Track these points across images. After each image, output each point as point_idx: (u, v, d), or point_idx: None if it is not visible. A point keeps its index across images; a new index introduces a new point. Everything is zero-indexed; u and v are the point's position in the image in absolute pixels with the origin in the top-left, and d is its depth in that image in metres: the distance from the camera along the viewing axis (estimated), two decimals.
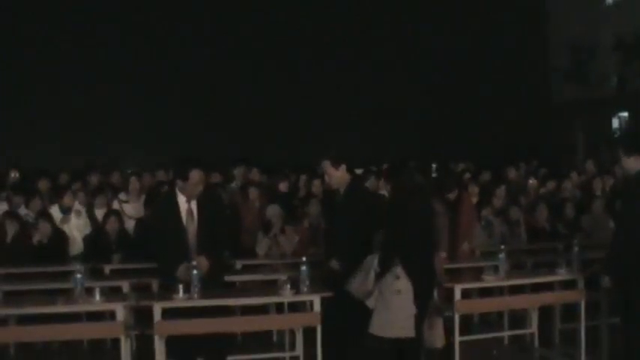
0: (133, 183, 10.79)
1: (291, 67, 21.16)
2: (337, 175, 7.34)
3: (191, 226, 6.88)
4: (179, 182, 6.97)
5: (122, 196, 10.81)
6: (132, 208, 10.63)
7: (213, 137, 20.29)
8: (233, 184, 11.13)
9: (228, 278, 7.82)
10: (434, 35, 20.72)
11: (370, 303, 6.78)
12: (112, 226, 9.72)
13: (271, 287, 7.50)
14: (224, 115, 20.43)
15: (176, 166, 7.30)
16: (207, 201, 7.01)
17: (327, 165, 7.38)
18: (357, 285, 6.82)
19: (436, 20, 21.13)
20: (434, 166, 13.30)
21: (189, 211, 6.94)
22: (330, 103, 20.82)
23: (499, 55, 21.10)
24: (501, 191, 10.73)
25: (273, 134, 19.86)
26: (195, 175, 6.95)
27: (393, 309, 6.65)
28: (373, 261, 6.77)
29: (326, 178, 7.49)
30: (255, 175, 11.54)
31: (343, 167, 7.31)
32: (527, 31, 21.54)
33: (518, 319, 9.09)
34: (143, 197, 10.71)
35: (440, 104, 20.77)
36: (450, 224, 8.46)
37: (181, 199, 7.00)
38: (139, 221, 10.12)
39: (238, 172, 11.45)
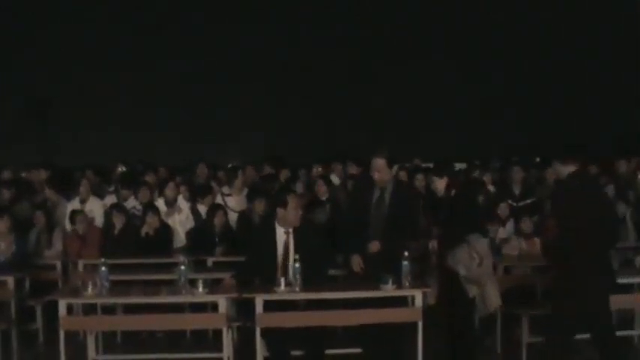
0: (237, 177, 10.95)
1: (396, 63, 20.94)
2: (388, 173, 7.55)
3: (287, 261, 7.11)
4: (280, 211, 7.16)
5: (225, 189, 10.97)
6: (234, 202, 10.74)
7: (310, 132, 20.26)
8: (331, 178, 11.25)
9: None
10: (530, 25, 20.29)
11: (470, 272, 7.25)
12: (218, 220, 9.86)
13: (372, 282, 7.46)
14: (320, 110, 20.36)
15: (275, 194, 7.71)
16: (306, 233, 7.21)
17: (381, 163, 7.50)
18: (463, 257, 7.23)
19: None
20: (537, 160, 13.14)
21: (286, 245, 7.14)
22: (429, 100, 20.59)
23: (603, 44, 20.51)
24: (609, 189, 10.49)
25: (367, 130, 19.72)
26: (293, 200, 7.24)
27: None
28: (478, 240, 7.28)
29: (376, 175, 7.55)
30: (353, 169, 11.53)
31: (395, 168, 7.64)
32: (626, 20, 20.82)
33: (622, 319, 8.74)
34: (246, 191, 10.83)
35: (540, 98, 20.28)
36: None
37: (279, 230, 7.23)
38: (242, 215, 10.24)
39: (336, 167, 11.62)
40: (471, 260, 7.25)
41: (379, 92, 20.66)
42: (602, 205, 6.70)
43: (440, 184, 7.71)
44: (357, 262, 7.49)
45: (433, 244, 7.76)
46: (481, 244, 7.39)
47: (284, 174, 11.40)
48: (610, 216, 6.82)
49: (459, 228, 7.40)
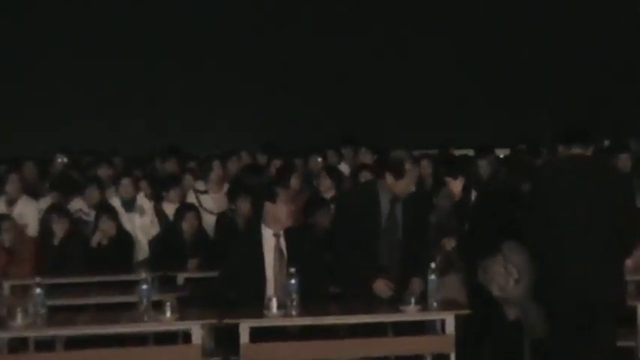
0: (216, 169, 10.84)
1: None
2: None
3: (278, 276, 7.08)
4: (267, 206, 7.18)
5: (199, 185, 10.83)
6: (212, 201, 10.67)
7: (309, 117, 20.10)
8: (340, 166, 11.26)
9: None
10: None
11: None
12: (189, 224, 9.77)
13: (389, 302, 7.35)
14: (320, 93, 20.18)
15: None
16: (302, 239, 7.37)
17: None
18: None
19: None
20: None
21: (278, 253, 7.20)
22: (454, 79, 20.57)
23: None
24: None
25: (378, 115, 19.62)
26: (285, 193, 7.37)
27: None
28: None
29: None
30: (365, 156, 11.52)
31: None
32: None
33: None
34: (226, 187, 10.73)
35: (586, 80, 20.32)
36: None
37: (267, 234, 7.25)
38: (222, 217, 10.13)
39: (347, 152, 11.65)
40: (508, 276, 7.26)
41: (396, 67, 20.49)
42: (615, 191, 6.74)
43: (455, 187, 7.86)
44: (383, 287, 7.35)
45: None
46: (519, 254, 7.34)
47: (275, 165, 11.28)
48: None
49: (492, 234, 7.53)
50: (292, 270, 6.74)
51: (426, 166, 10.67)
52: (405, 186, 7.39)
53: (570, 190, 6.72)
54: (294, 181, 10.02)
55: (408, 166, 7.40)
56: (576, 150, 6.88)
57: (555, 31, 20.04)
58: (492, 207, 7.80)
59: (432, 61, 20.43)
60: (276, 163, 11.36)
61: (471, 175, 8.05)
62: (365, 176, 9.86)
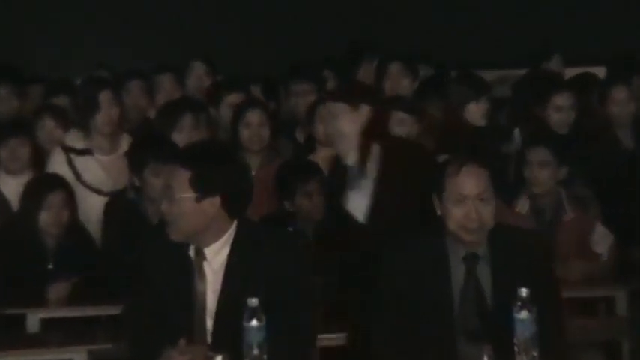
0: (106, 107, 6.88)
1: None
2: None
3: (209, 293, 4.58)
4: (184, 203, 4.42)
5: (71, 137, 6.99)
6: (98, 169, 6.89)
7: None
8: None
9: None
10: None
11: None
12: (51, 215, 6.34)
13: None
14: None
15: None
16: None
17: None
18: None
19: None
20: None
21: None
22: None
23: None
24: None
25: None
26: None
27: None
28: None
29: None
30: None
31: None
32: None
33: None
34: (123, 146, 6.89)
35: None
36: None
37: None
38: (115, 201, 6.63)
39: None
40: None
41: None
42: None
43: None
44: None
45: None
46: None
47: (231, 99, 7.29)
48: None
49: None
50: (252, 302, 4.12)
51: None
52: None
53: None
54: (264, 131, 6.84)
55: None
56: None
57: None
58: None
59: None
60: (232, 98, 7.39)
61: None
62: None
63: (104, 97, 6.82)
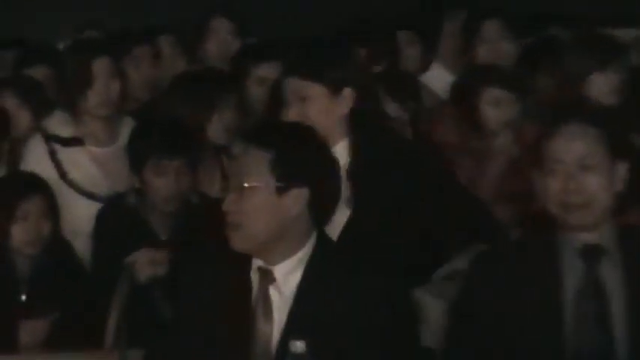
0: (97, 93, 5.88)
1: None
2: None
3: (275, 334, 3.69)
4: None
5: (55, 121, 5.96)
6: (90, 165, 5.81)
7: None
8: None
9: None
10: None
11: None
12: (24, 227, 5.38)
13: None
14: None
15: None
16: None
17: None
18: None
19: None
20: None
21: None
22: None
23: None
24: None
25: None
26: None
27: None
28: None
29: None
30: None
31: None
32: None
33: None
34: (123, 134, 5.80)
35: None
36: None
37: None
38: (110, 209, 5.65)
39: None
40: None
41: None
42: None
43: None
44: None
45: None
46: None
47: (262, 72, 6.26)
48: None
49: None
50: (298, 346, 3.33)
51: None
52: None
53: None
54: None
55: None
56: None
57: None
58: None
59: None
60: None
61: None
62: None
63: (99, 67, 5.62)
